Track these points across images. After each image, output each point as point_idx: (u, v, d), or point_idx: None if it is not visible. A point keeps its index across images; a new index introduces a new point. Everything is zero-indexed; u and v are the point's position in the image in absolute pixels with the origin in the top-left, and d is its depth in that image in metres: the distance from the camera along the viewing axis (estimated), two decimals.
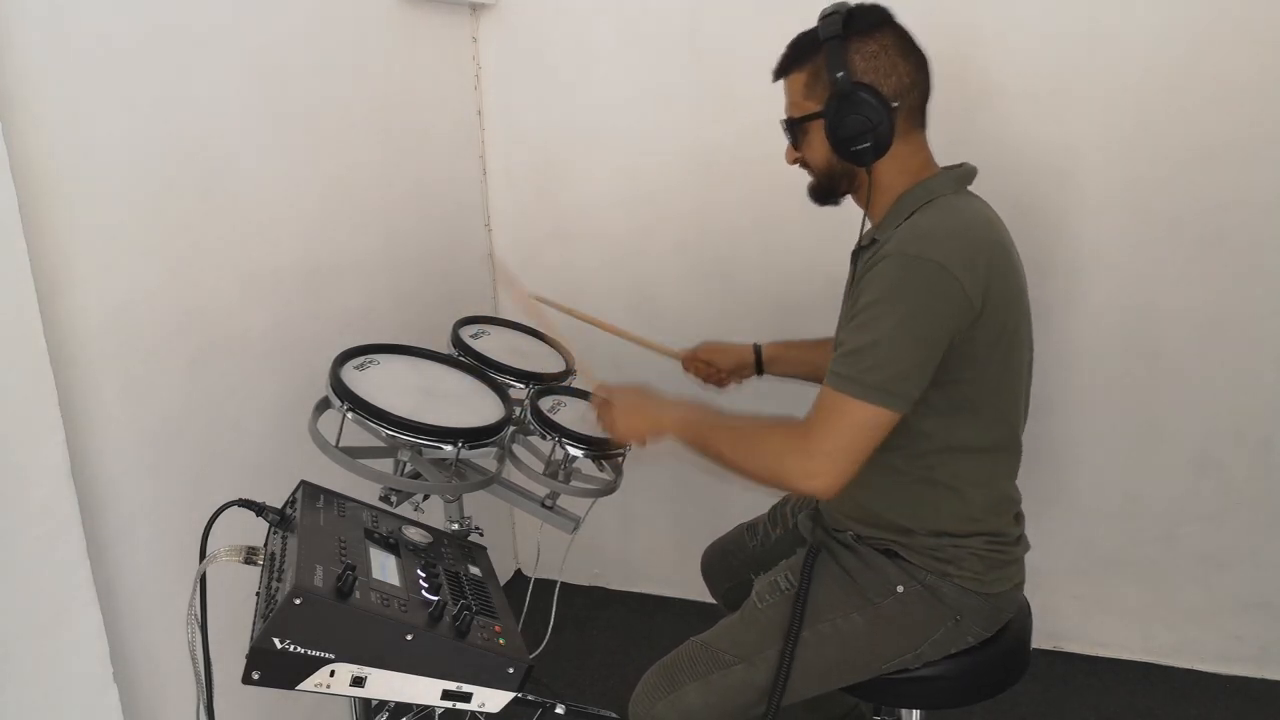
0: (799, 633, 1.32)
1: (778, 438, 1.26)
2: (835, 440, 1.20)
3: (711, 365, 1.78)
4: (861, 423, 1.19)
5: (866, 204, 1.37)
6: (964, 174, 1.36)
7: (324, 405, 1.39)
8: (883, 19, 1.30)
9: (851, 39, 1.27)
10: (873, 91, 1.26)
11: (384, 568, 1.13)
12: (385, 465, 1.39)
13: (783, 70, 1.37)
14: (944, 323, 1.19)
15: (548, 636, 1.75)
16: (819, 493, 1.22)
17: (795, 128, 1.36)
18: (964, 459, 1.32)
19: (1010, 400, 1.33)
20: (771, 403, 1.88)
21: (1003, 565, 1.35)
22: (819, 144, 1.34)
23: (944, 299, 1.18)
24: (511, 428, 1.50)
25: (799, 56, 1.33)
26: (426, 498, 1.50)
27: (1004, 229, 1.34)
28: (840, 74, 1.26)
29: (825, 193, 1.40)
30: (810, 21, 1.32)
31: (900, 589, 1.33)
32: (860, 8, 1.31)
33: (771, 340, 1.79)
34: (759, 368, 1.77)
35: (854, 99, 1.25)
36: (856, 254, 1.41)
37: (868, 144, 1.26)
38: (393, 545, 1.21)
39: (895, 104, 1.27)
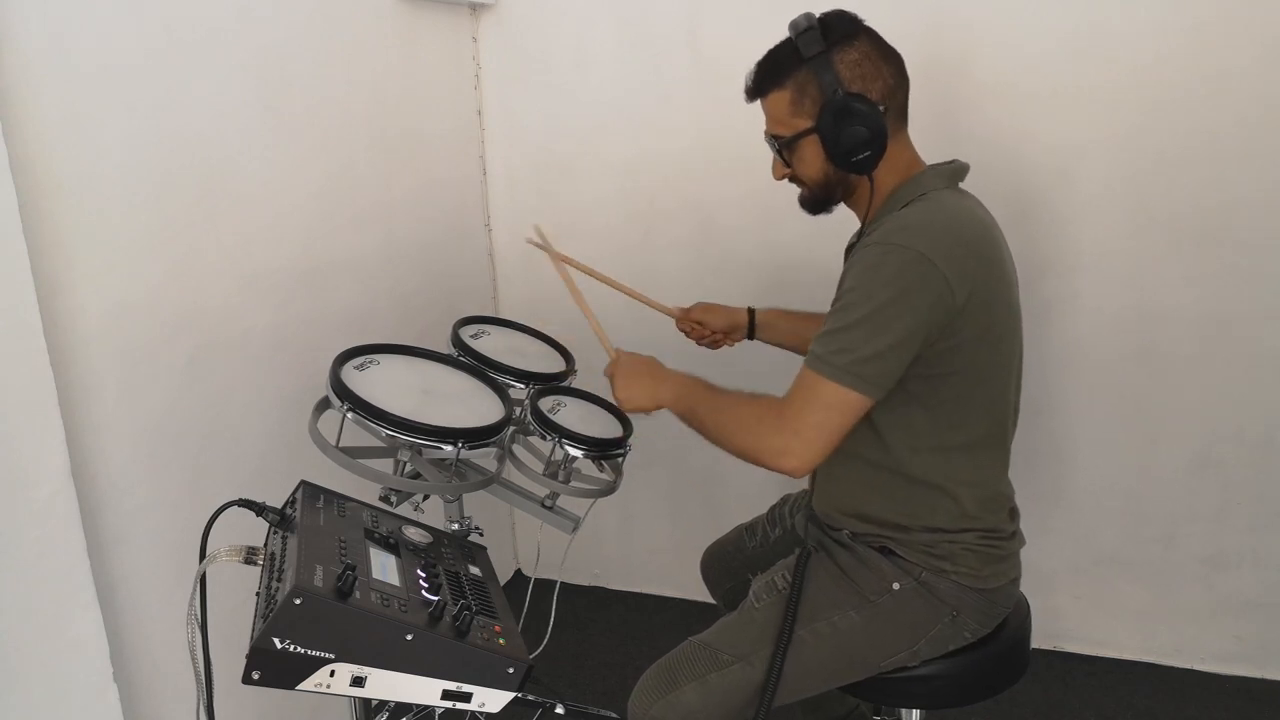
0: (790, 635, 1.32)
1: (755, 414, 1.27)
2: (806, 419, 1.22)
3: (703, 325, 1.78)
4: (831, 404, 1.21)
5: (866, 208, 1.37)
6: (955, 170, 1.37)
7: (324, 405, 1.39)
8: (855, 25, 1.30)
9: (833, 51, 1.27)
10: (864, 100, 1.26)
11: (384, 568, 1.13)
12: (385, 465, 1.39)
13: (760, 91, 1.36)
14: (921, 311, 1.19)
15: (548, 636, 1.75)
16: (790, 470, 1.23)
17: (786, 145, 1.35)
18: (953, 456, 1.32)
19: (999, 397, 1.33)
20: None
21: (998, 560, 1.35)
22: (813, 158, 1.33)
23: (923, 287, 1.19)
24: (511, 428, 1.50)
25: (778, 74, 1.32)
26: (426, 498, 1.50)
27: (995, 226, 1.35)
28: (835, 89, 1.26)
29: (820, 203, 1.41)
30: None
31: (896, 586, 1.34)
32: (832, 17, 1.30)
33: (768, 306, 1.80)
34: (751, 331, 1.78)
35: (850, 111, 1.25)
36: (849, 251, 1.42)
37: (868, 153, 1.27)
38: (393, 545, 1.21)
39: (883, 107, 1.27)
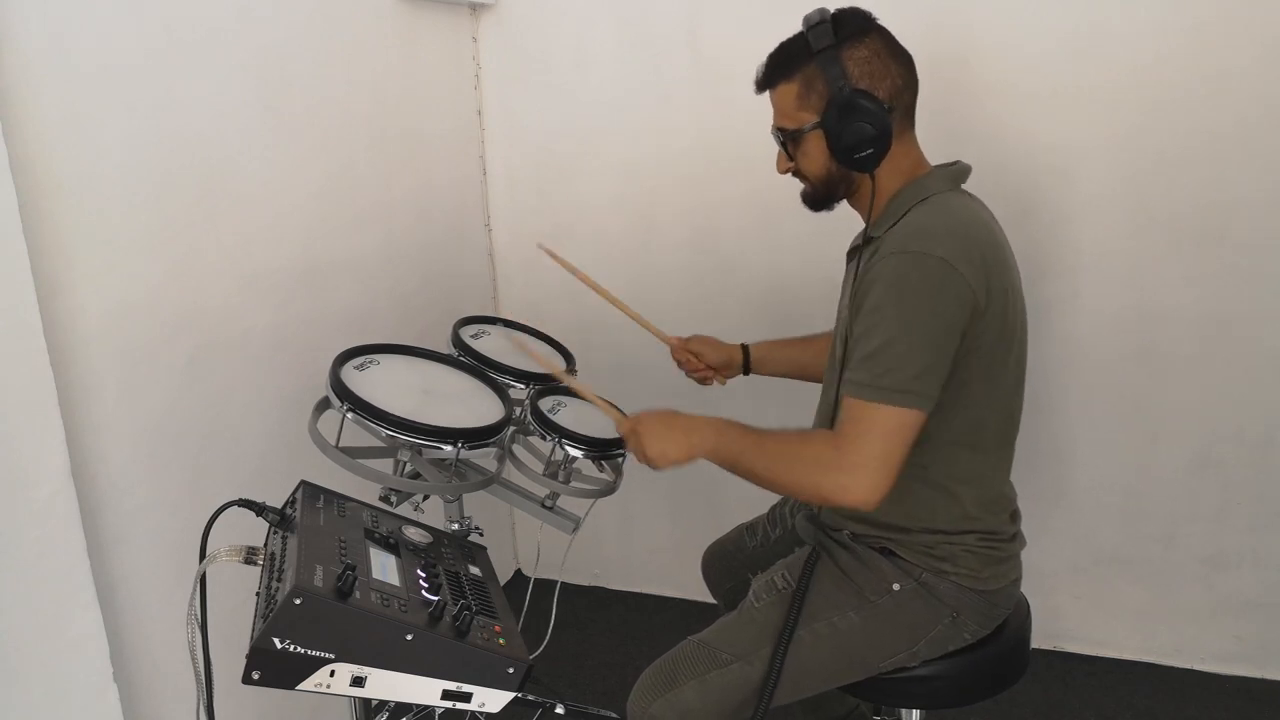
0: (793, 630, 1.32)
1: (811, 453, 1.22)
2: (866, 450, 1.17)
3: (699, 358, 1.77)
4: (889, 428, 1.17)
5: (868, 207, 1.36)
6: (958, 172, 1.36)
7: (324, 405, 1.39)
8: (868, 22, 1.30)
9: (843, 46, 1.27)
10: (870, 97, 1.26)
11: (384, 568, 1.13)
12: (385, 465, 1.39)
13: (769, 82, 1.36)
14: (953, 317, 1.19)
15: (548, 636, 1.75)
16: (860, 505, 1.18)
17: (791, 139, 1.35)
18: (960, 456, 1.31)
19: (1007, 399, 1.33)
20: (766, 400, 1.88)
21: (998, 562, 1.35)
22: (817, 153, 1.33)
23: (950, 293, 1.18)
24: (511, 428, 1.50)
25: (787, 66, 1.32)
26: (426, 498, 1.50)
27: (998, 227, 1.35)
28: (841, 83, 1.26)
29: (821, 200, 1.40)
30: None
31: (897, 587, 1.34)
32: (845, 14, 1.30)
33: (760, 340, 1.79)
34: (746, 368, 1.77)
35: (855, 107, 1.25)
36: (853, 253, 1.42)
37: (871, 150, 1.26)
38: (393, 545, 1.21)
39: (890, 107, 1.27)
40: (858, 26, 1.29)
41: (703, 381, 1.80)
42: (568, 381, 1.58)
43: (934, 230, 1.22)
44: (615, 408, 1.49)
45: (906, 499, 1.33)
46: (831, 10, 1.30)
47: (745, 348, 1.78)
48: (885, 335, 1.18)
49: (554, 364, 1.66)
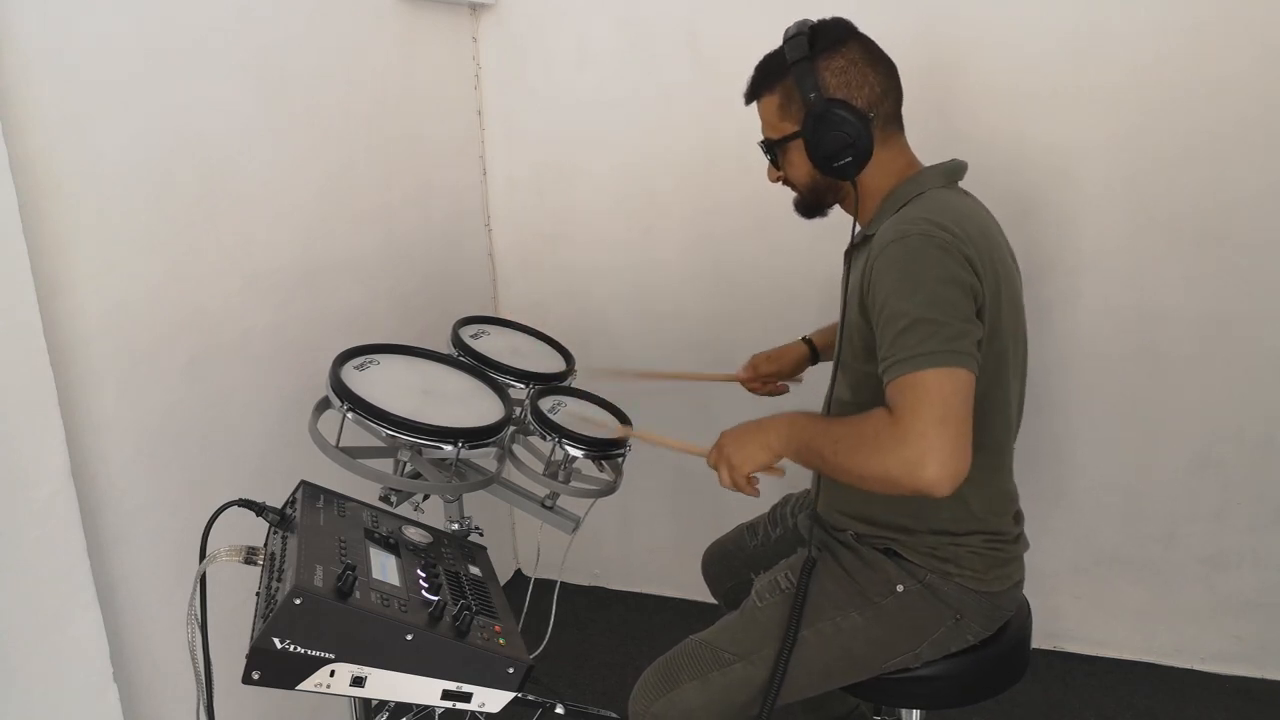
0: (795, 638, 1.32)
1: (870, 429, 1.15)
2: (923, 415, 1.09)
3: (774, 377, 1.80)
4: (942, 390, 1.10)
5: (855, 211, 1.38)
6: (952, 169, 1.37)
7: (324, 405, 1.39)
8: (847, 32, 1.32)
9: (819, 57, 1.28)
10: (846, 106, 1.27)
11: (384, 568, 1.13)
12: (385, 465, 1.39)
13: (753, 94, 1.39)
14: (964, 280, 1.17)
15: (548, 636, 1.75)
16: (934, 482, 1.08)
17: (775, 149, 1.38)
18: None
19: (1006, 398, 1.33)
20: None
21: (1002, 564, 1.35)
22: (800, 162, 1.35)
23: (953, 260, 1.17)
24: (511, 428, 1.50)
25: (768, 79, 1.35)
26: (426, 498, 1.50)
27: (996, 226, 1.35)
28: (812, 94, 1.28)
29: (811, 207, 1.43)
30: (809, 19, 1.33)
31: (900, 588, 1.33)
32: (824, 24, 1.32)
33: (816, 329, 1.82)
34: (814, 357, 1.80)
35: (829, 116, 1.27)
36: (850, 253, 1.42)
37: (849, 159, 1.28)
38: (393, 545, 1.21)
39: (870, 114, 1.28)
40: (835, 37, 1.30)
41: (775, 393, 1.82)
42: (640, 435, 1.55)
43: (925, 216, 1.22)
44: (696, 446, 1.42)
45: (911, 499, 1.33)
46: (814, 20, 1.32)
47: (809, 340, 1.80)
48: (909, 315, 1.15)
49: (621, 428, 1.61)
